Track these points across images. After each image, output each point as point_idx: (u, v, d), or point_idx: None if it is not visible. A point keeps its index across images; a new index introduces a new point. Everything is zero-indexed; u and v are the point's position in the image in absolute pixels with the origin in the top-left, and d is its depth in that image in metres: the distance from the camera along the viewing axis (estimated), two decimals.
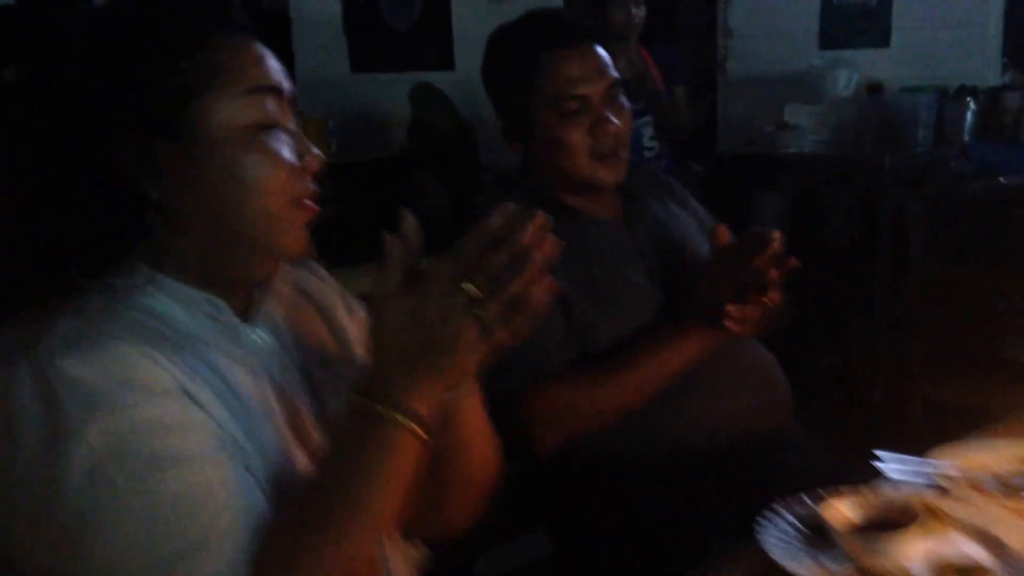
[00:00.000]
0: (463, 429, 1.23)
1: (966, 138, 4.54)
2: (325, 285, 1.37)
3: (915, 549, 1.25)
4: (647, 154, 4.21)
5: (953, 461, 1.54)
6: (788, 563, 1.24)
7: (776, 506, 1.39)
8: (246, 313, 1.19)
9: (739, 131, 5.05)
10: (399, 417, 1.02)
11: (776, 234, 1.74)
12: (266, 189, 1.10)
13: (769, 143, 4.72)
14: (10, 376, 0.98)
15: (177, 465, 0.99)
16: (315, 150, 1.14)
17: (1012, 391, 3.45)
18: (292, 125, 1.14)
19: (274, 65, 1.14)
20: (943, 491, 1.45)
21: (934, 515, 1.36)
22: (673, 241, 2.02)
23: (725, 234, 1.81)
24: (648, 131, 4.22)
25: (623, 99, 1.91)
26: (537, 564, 2.00)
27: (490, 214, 1.02)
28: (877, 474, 1.52)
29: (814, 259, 4.53)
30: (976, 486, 1.47)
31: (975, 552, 1.28)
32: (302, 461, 1.14)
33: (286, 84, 1.14)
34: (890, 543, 1.25)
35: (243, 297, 1.19)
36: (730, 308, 1.75)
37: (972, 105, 4.56)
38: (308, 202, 1.14)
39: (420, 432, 1.03)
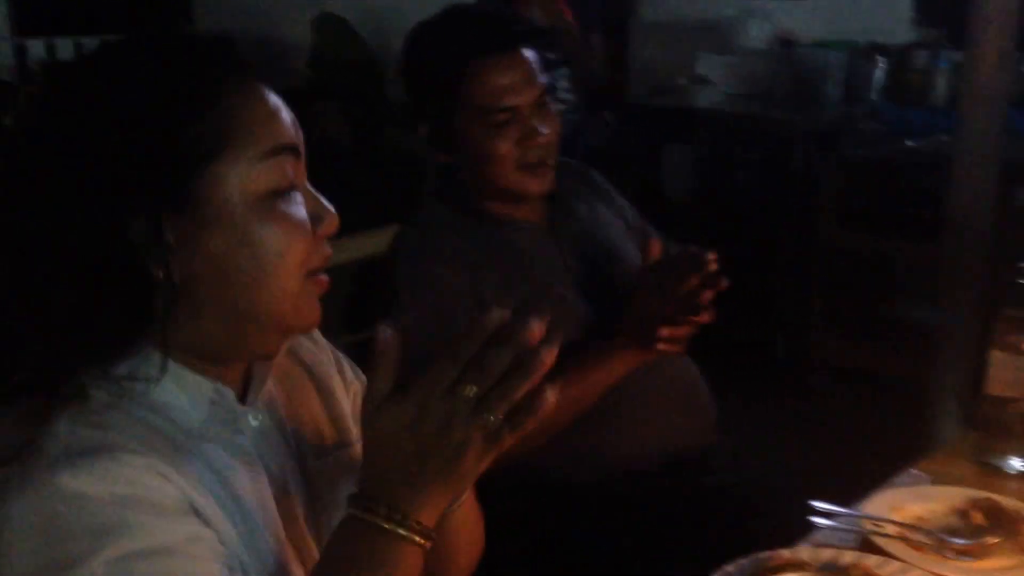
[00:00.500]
0: (454, 520, 1.18)
1: (875, 98, 4.56)
2: (320, 351, 1.28)
3: None
4: (561, 107, 4.13)
5: (887, 513, 1.54)
6: None
7: None
8: (245, 390, 1.11)
9: (651, 79, 4.99)
10: (405, 532, 0.97)
11: (711, 256, 1.71)
12: (284, 265, 1.02)
13: (681, 95, 4.68)
14: (1, 494, 0.90)
15: None
16: (331, 210, 1.06)
17: (905, 353, 3.55)
18: (306, 183, 1.07)
19: (288, 117, 1.05)
20: (876, 549, 1.45)
21: None
22: (599, 244, 1.98)
23: (657, 248, 1.77)
24: (563, 83, 4.13)
25: (551, 104, 1.84)
26: None
27: (486, 313, 0.96)
28: (806, 499, 1.52)
29: (722, 216, 4.57)
30: (912, 545, 1.47)
31: None
32: (298, 571, 1.08)
33: (300, 140, 1.06)
34: None
35: (244, 372, 1.11)
36: (664, 332, 1.72)
37: (882, 64, 4.57)
38: (323, 275, 1.07)
39: (425, 543, 0.99)
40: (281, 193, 1.02)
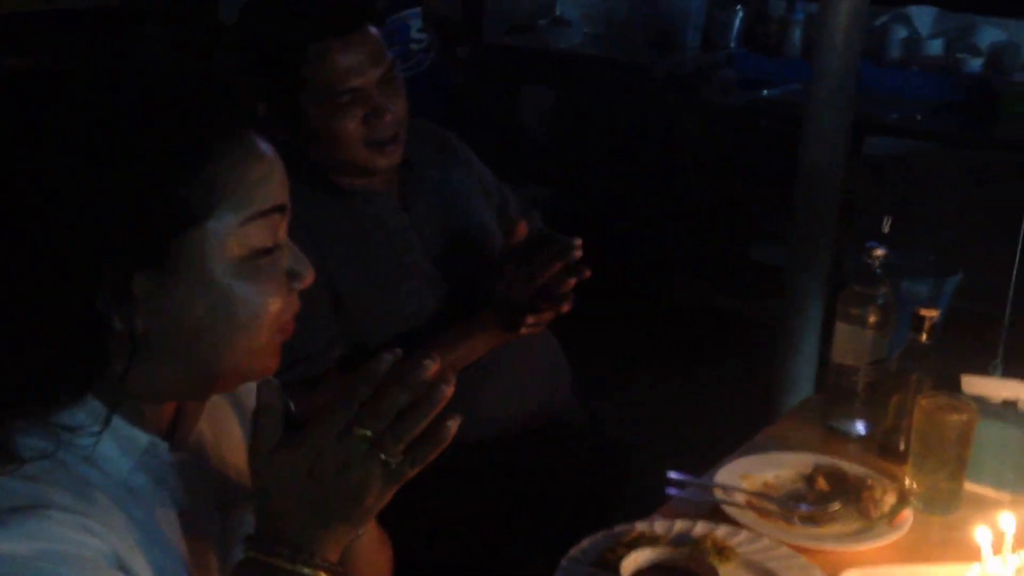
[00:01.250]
0: (357, 547, 1.17)
1: (733, 46, 4.64)
2: None
3: None
4: (415, 47, 4.07)
5: (737, 481, 1.60)
6: None
7: (572, 554, 1.40)
8: (171, 432, 1.07)
9: (509, 19, 4.94)
10: (310, 571, 0.96)
11: (577, 242, 1.73)
12: (258, 323, 1.00)
13: (540, 36, 4.66)
14: None
15: None
16: (308, 266, 1.04)
17: (760, 293, 3.67)
18: (285, 236, 1.03)
19: (279, 176, 1.01)
20: (727, 518, 1.51)
21: (723, 554, 1.42)
22: (454, 212, 1.96)
23: (523, 230, 1.78)
24: (416, 22, 4.07)
25: (398, 77, 1.81)
26: None
27: (378, 358, 0.97)
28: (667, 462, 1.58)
29: (581, 160, 4.61)
30: (761, 513, 1.54)
31: None
32: None
33: (287, 195, 1.03)
34: None
35: (171, 416, 1.07)
36: (529, 320, 1.74)
37: (740, 12, 4.64)
38: (290, 323, 1.04)
39: None
40: (264, 253, 1.00)
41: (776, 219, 4.06)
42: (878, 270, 1.73)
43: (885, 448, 1.72)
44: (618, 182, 4.47)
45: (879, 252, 1.72)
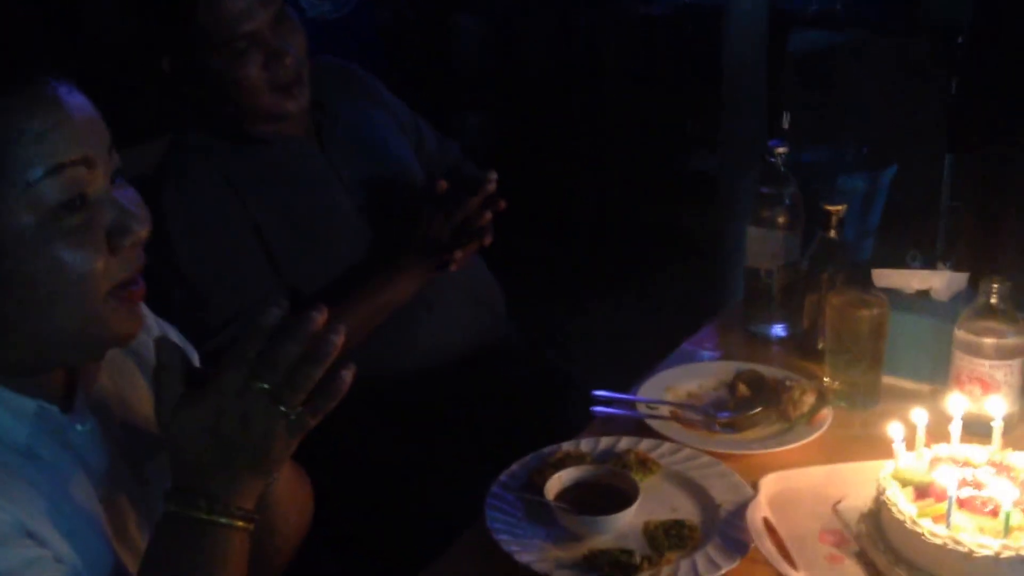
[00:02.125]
0: (274, 493, 1.19)
1: None
2: (147, 330, 1.23)
3: (630, 519, 1.34)
4: None
5: (662, 394, 1.65)
6: (518, 553, 1.30)
7: (502, 477, 1.44)
8: (70, 396, 1.08)
9: None
10: (227, 520, 1.00)
11: (492, 176, 1.75)
12: (78, 284, 0.98)
13: None
14: None
15: None
16: (138, 219, 1.02)
17: (697, 203, 3.71)
18: (105, 190, 1.01)
19: (77, 127, 0.98)
20: (654, 432, 1.55)
21: (646, 467, 1.46)
22: (369, 147, 1.96)
23: (443, 187, 1.79)
24: None
25: (292, 18, 1.80)
26: None
27: (264, 312, 0.98)
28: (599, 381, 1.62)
29: (513, 84, 4.60)
30: (685, 423, 1.59)
31: (682, 505, 1.40)
32: (130, 573, 1.08)
33: (94, 144, 0.99)
34: (609, 521, 1.33)
35: (67, 378, 1.09)
36: (457, 255, 1.76)
37: None
38: (131, 288, 1.04)
39: (248, 526, 1.03)
40: (71, 209, 0.98)
41: (712, 126, 4.09)
42: (782, 168, 1.76)
43: (804, 348, 1.77)
44: (550, 102, 4.48)
45: (781, 150, 1.75)
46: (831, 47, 4.19)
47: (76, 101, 0.99)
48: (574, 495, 1.38)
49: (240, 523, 1.02)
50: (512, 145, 4.39)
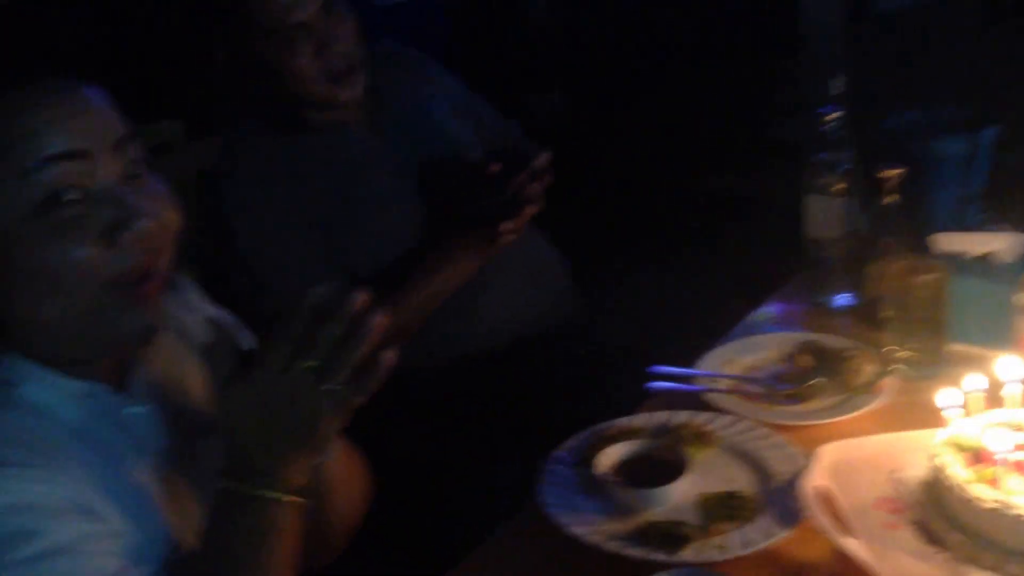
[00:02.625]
0: (327, 472, 1.25)
1: None
2: (198, 323, 1.30)
3: (684, 492, 1.36)
4: None
5: (720, 368, 1.66)
6: (569, 525, 1.33)
7: (556, 454, 1.47)
8: (124, 379, 1.15)
9: None
10: (278, 495, 1.05)
11: (543, 155, 1.78)
12: (77, 286, 1.03)
13: None
14: None
15: None
16: (140, 213, 1.05)
17: (780, 173, 3.66)
18: (105, 183, 1.04)
19: (78, 120, 1.02)
20: (711, 406, 1.56)
21: (702, 440, 1.48)
22: (427, 132, 2.00)
23: (494, 168, 1.82)
24: None
25: (342, 7, 1.84)
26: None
27: (306, 293, 1.03)
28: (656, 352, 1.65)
29: (588, 56, 4.58)
30: (744, 396, 1.59)
31: (738, 477, 1.41)
32: (188, 546, 1.14)
33: (95, 138, 1.03)
34: (662, 492, 1.35)
35: (119, 363, 1.15)
36: (504, 227, 1.79)
37: None
38: (141, 284, 1.07)
39: (299, 501, 1.07)
40: (63, 202, 1.01)
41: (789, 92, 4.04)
42: (838, 134, 1.74)
43: (868, 318, 1.75)
44: (623, 76, 4.46)
45: (833, 116, 1.74)
46: (917, 3, 4.08)
47: (79, 94, 1.04)
48: (627, 469, 1.40)
49: (290, 498, 1.07)
50: (584, 122, 4.39)
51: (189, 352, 1.28)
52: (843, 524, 1.28)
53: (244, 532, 1.06)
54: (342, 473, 1.29)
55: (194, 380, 1.27)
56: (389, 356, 1.05)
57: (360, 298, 1.03)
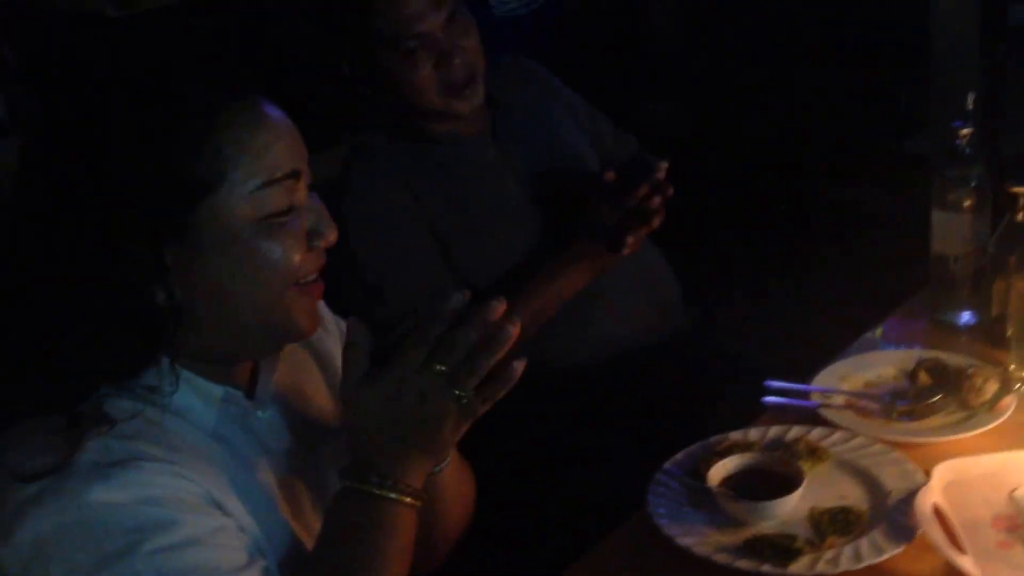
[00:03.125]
0: (441, 479, 1.28)
1: None
2: (325, 330, 1.37)
3: (796, 506, 1.37)
4: None
5: (837, 384, 1.65)
6: (677, 536, 1.35)
7: (667, 465, 1.49)
8: (252, 386, 1.22)
9: None
10: (396, 495, 1.10)
11: (662, 164, 1.80)
12: (277, 281, 1.11)
13: None
14: (35, 515, 1.01)
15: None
16: (331, 225, 1.15)
17: (912, 188, 3.60)
18: (305, 198, 1.14)
19: (288, 141, 1.11)
20: (826, 421, 1.56)
21: (815, 455, 1.48)
22: (547, 145, 2.04)
23: (611, 177, 1.85)
24: None
25: (465, 17, 1.89)
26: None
27: (446, 297, 1.08)
28: (770, 370, 1.65)
29: (709, 62, 4.57)
30: (860, 413, 1.59)
31: (850, 493, 1.41)
32: (306, 548, 1.19)
33: (301, 158, 1.13)
34: (773, 506, 1.36)
35: (252, 369, 1.22)
36: (629, 240, 1.82)
37: None
38: (316, 284, 1.16)
39: (416, 503, 1.12)
40: (280, 215, 1.10)
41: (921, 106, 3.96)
42: (967, 150, 1.72)
43: (993, 336, 1.72)
44: (744, 86, 4.43)
45: (966, 131, 1.72)
46: None
47: (283, 117, 1.12)
48: (738, 482, 1.42)
49: (408, 499, 1.11)
50: (704, 132, 4.37)
51: (313, 363, 1.34)
52: (956, 541, 1.28)
53: (360, 530, 1.11)
54: (453, 482, 1.32)
55: (315, 387, 1.33)
56: (519, 366, 1.09)
57: (498, 306, 1.08)
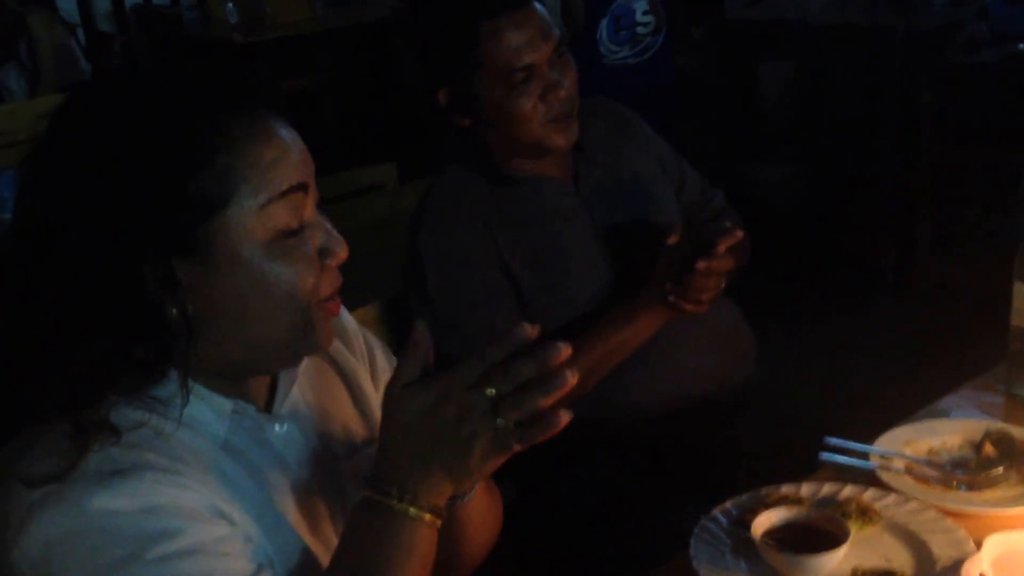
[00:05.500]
0: (467, 508, 1.29)
1: None
2: (349, 341, 1.41)
3: (838, 565, 1.38)
4: (641, 30, 4.19)
5: (900, 448, 1.66)
6: None
7: (713, 510, 1.52)
8: (270, 401, 1.25)
9: None
10: (416, 512, 1.11)
11: (736, 232, 1.84)
12: (292, 301, 1.13)
13: (774, 7, 4.68)
14: (36, 520, 1.04)
15: None
16: (341, 241, 1.17)
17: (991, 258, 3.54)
18: (314, 214, 1.16)
19: (296, 154, 1.14)
20: (882, 484, 1.57)
21: (866, 516, 1.49)
22: (627, 193, 2.08)
23: (673, 240, 1.88)
24: (642, 4, 4.18)
25: (567, 54, 1.95)
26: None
27: (517, 327, 1.08)
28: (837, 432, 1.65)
29: (820, 132, 4.59)
30: (919, 479, 1.59)
31: (896, 557, 1.42)
32: (323, 562, 1.21)
33: (308, 173, 1.15)
34: (815, 561, 1.38)
35: (270, 382, 1.26)
36: (704, 297, 1.86)
37: None
38: (332, 301, 1.18)
39: (436, 521, 1.13)
40: (290, 232, 1.12)
41: None
42: None
43: None
44: (859, 155, 4.43)
45: None
46: None
47: (291, 133, 1.15)
48: (783, 534, 1.43)
49: (428, 516, 1.11)
50: (815, 200, 4.38)
51: (337, 378, 1.38)
52: None
53: (378, 544, 1.11)
54: (480, 506, 1.35)
55: (339, 403, 1.36)
56: (565, 416, 1.08)
57: (563, 349, 1.07)
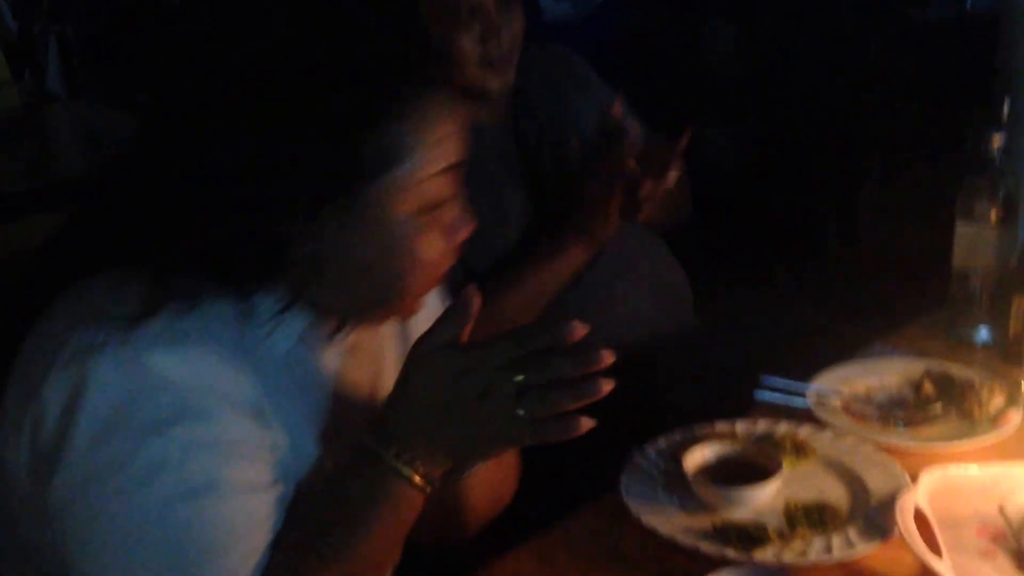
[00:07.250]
0: (476, 478, 1.31)
1: None
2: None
3: (770, 496, 1.38)
4: None
5: (838, 387, 1.66)
6: (645, 515, 1.36)
7: (645, 446, 1.51)
8: (338, 331, 1.23)
9: None
10: (408, 473, 1.10)
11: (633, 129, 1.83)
12: (422, 272, 1.15)
13: None
14: (94, 361, 1.03)
15: (233, 493, 1.06)
16: (467, 219, 1.18)
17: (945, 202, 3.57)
18: (457, 188, 1.17)
19: (462, 135, 1.15)
20: (819, 421, 1.57)
21: (800, 451, 1.49)
22: (568, 137, 2.05)
23: (618, 111, 1.85)
24: None
25: (519, 3, 1.91)
26: None
27: (569, 324, 1.05)
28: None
29: (767, 98, 4.59)
30: (856, 417, 1.59)
31: (831, 491, 1.42)
32: None
33: (465, 149, 1.16)
34: (746, 493, 1.37)
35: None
36: (645, 191, 1.80)
37: None
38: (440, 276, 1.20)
39: (425, 487, 1.11)
40: (435, 206, 1.13)
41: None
42: (998, 159, 1.72)
43: (1009, 355, 1.72)
44: (805, 117, 4.44)
45: (997, 138, 1.72)
46: None
47: (461, 110, 1.16)
48: (715, 469, 1.43)
49: (418, 480, 1.10)
50: (761, 162, 4.38)
51: (399, 335, 1.36)
52: (935, 546, 1.28)
53: (362, 495, 1.10)
54: (485, 480, 1.34)
55: (391, 358, 1.33)
56: (587, 424, 1.07)
57: (606, 357, 1.05)
